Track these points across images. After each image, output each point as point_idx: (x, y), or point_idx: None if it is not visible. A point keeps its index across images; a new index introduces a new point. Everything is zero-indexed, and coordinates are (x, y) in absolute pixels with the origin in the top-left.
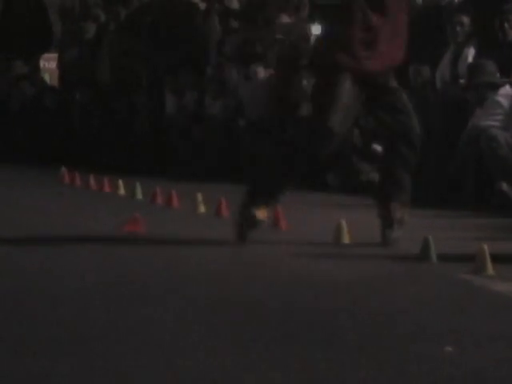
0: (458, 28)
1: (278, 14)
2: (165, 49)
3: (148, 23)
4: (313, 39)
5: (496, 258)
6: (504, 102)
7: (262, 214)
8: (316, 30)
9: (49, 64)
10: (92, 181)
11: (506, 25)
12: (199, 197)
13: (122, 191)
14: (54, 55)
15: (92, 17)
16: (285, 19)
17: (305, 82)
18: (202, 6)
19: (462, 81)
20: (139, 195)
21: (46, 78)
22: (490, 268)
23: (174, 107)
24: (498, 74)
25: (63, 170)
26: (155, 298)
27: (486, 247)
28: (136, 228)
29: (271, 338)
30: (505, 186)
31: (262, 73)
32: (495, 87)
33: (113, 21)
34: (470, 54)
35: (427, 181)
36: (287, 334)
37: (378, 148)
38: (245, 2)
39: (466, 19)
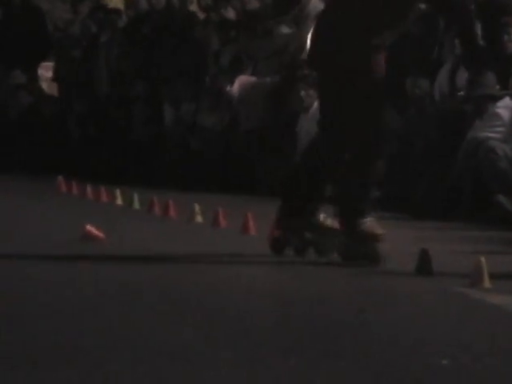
0: (457, 41)
1: (277, 25)
2: (162, 59)
3: (146, 33)
4: None
5: (493, 271)
6: (503, 114)
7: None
8: None
9: (46, 73)
10: (89, 190)
11: (506, 37)
12: (196, 207)
13: (119, 201)
14: (52, 64)
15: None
16: (284, 30)
17: (302, 93)
18: (201, 15)
19: (460, 93)
20: (136, 205)
21: (44, 86)
22: (487, 281)
23: (171, 118)
24: (498, 86)
25: (60, 179)
26: (149, 307)
27: (483, 260)
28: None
29: (268, 350)
30: (502, 199)
31: (236, 84)
32: (495, 99)
33: (108, 30)
34: None
35: (425, 193)
36: (284, 346)
37: None
38: (241, 11)
39: None
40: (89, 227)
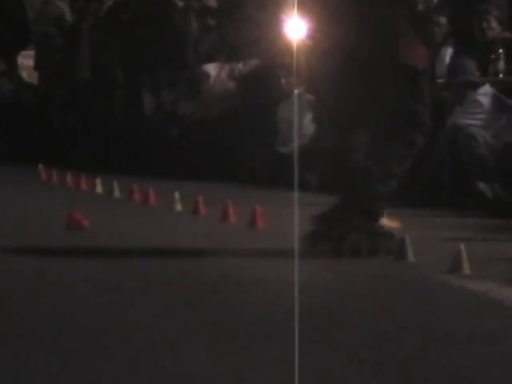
0: (435, 28)
1: (258, 12)
2: (142, 47)
3: (125, 21)
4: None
5: (473, 258)
6: (484, 101)
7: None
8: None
9: (26, 61)
10: (69, 178)
11: (485, 24)
12: (176, 195)
13: (99, 189)
14: (32, 53)
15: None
16: (265, 17)
17: (283, 81)
18: (180, 4)
19: (439, 80)
20: (116, 193)
21: (24, 75)
22: (466, 267)
23: (151, 106)
24: (478, 73)
25: (40, 167)
26: (129, 297)
27: (462, 247)
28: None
29: (249, 338)
30: (482, 186)
31: (212, 70)
32: (475, 86)
33: (89, 18)
34: (448, 53)
35: (404, 180)
36: (264, 333)
37: None
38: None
39: (442, 19)
40: (74, 215)
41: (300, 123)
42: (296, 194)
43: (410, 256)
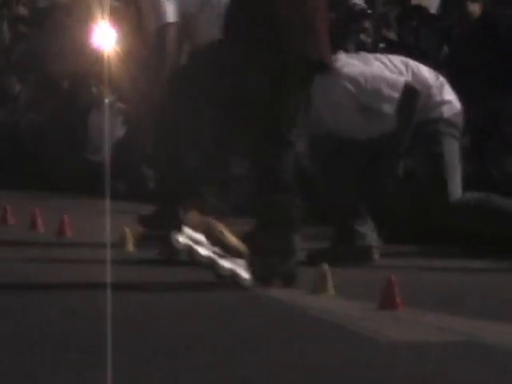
0: None
1: (68, 19)
2: None
3: None
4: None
5: None
6: None
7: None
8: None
9: None
10: None
11: None
12: None
13: None
14: None
15: None
16: (75, 24)
17: (94, 89)
18: None
19: None
20: None
21: None
22: None
23: None
24: None
25: None
26: None
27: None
28: None
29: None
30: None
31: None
32: None
33: None
34: None
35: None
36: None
37: None
38: (32, 7)
39: None
40: None
41: (111, 131)
42: (108, 202)
43: None
